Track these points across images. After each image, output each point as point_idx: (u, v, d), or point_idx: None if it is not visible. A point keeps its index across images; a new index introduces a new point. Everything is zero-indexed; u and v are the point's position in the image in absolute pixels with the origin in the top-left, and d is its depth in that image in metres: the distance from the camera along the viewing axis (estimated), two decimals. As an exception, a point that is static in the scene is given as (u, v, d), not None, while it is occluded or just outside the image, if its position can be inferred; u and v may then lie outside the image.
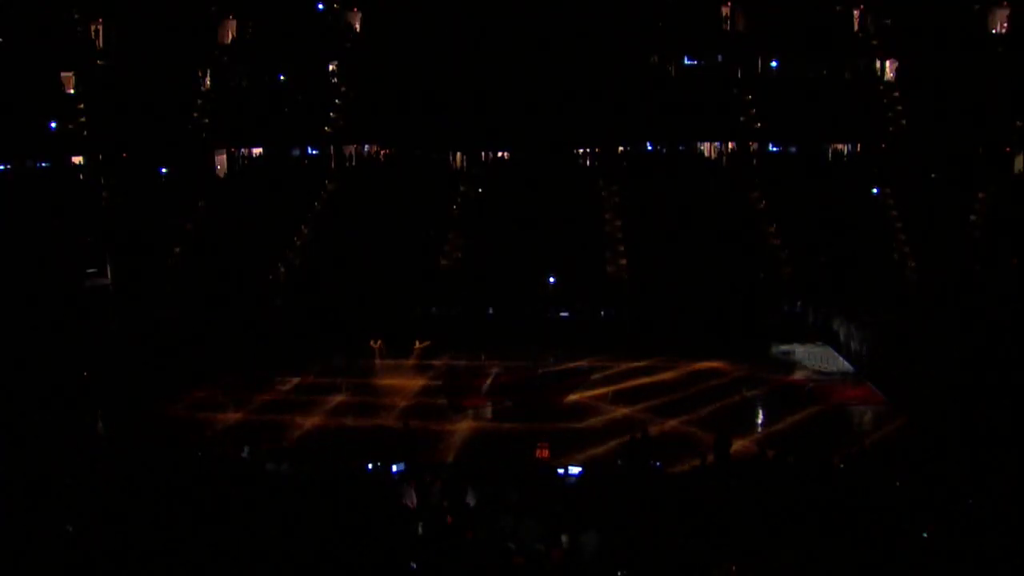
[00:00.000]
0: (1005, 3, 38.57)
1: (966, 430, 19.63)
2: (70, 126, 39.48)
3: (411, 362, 27.29)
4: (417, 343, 28.05)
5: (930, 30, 38.41)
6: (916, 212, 35.43)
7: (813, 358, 27.93)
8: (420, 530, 13.10)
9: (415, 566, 11.87)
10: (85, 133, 39.55)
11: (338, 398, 24.51)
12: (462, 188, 38.65)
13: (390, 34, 40.88)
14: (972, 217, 35.40)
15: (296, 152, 42.34)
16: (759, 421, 22.67)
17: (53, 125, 39.61)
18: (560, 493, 15.85)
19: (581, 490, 16.02)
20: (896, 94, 39.09)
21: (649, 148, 41.18)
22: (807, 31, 39.36)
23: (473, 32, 39.22)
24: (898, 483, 16.46)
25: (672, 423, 21.93)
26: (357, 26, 41.86)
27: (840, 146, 40.01)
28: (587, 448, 20.03)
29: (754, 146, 39.82)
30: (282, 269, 35.03)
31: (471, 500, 14.25)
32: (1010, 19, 38.41)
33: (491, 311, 31.46)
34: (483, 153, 40.76)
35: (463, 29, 39.35)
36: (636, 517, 13.73)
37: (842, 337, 28.63)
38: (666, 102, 39.05)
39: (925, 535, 13.15)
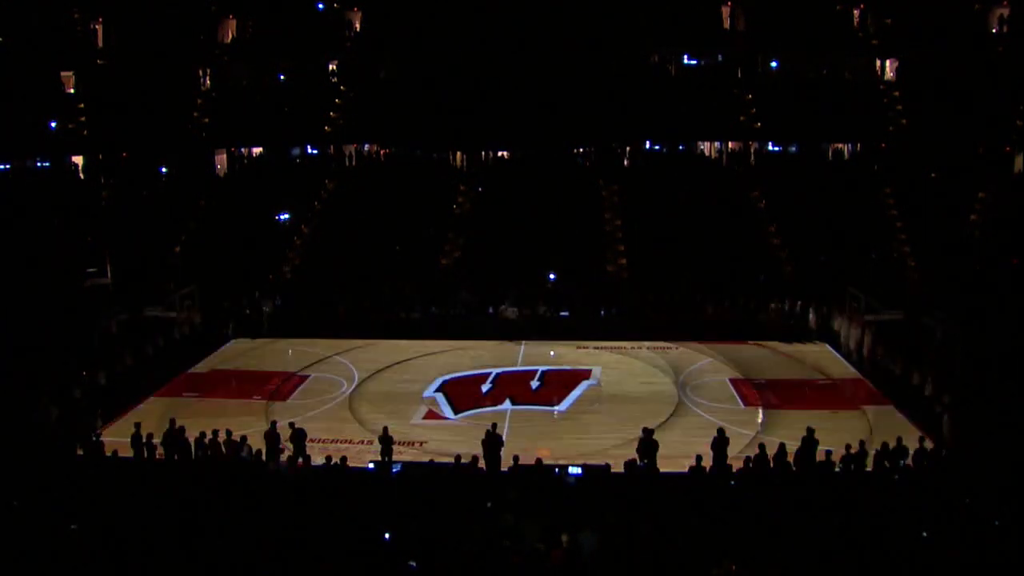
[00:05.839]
0: (1005, 3, 38.59)
1: (967, 430, 19.63)
2: (70, 126, 39.51)
3: None
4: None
5: (930, 30, 38.45)
6: (916, 212, 35.45)
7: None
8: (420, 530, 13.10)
9: (415, 566, 11.88)
10: (85, 133, 39.57)
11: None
12: (462, 188, 38.66)
13: (390, 34, 40.92)
14: (972, 217, 35.42)
15: (296, 152, 42.39)
16: (758, 420, 22.62)
17: (53, 125, 39.64)
18: (560, 493, 15.88)
19: (581, 490, 16.04)
20: (896, 94, 39.13)
21: (649, 148, 41.20)
22: (807, 31, 39.38)
23: (473, 32, 39.23)
24: (897, 483, 16.50)
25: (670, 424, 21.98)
26: (357, 26, 41.88)
27: (840, 146, 40.06)
28: (587, 448, 20.05)
29: (754, 146, 39.86)
30: (282, 268, 35.02)
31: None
32: (1010, 19, 38.43)
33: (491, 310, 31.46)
34: (483, 153, 40.78)
35: (463, 29, 39.37)
36: (636, 517, 13.74)
37: (842, 337, 28.62)
38: (666, 102, 39.08)
39: (925, 535, 13.17)
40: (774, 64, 40.71)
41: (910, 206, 35.91)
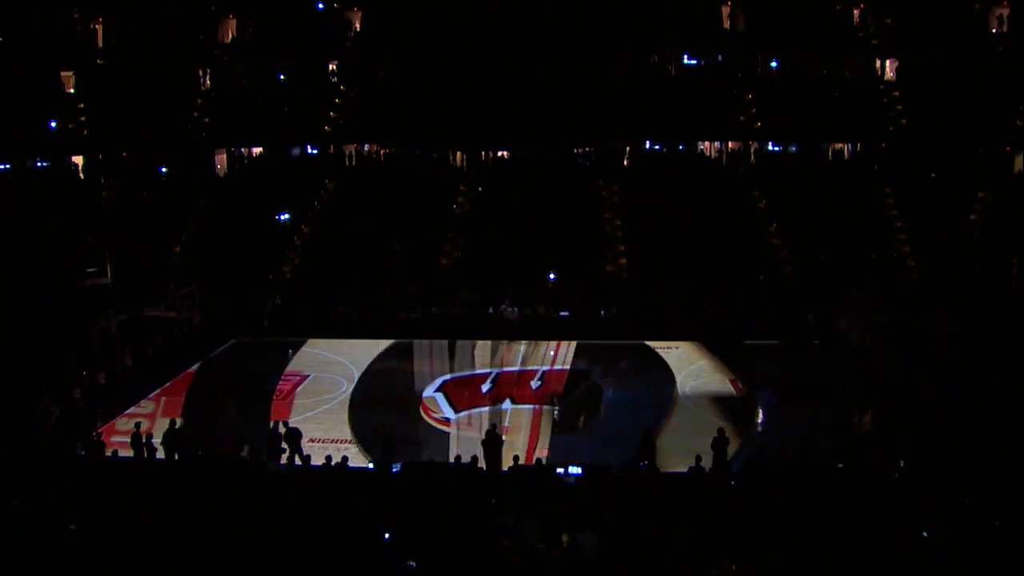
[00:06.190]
0: (1005, 3, 38.58)
1: (967, 429, 19.64)
2: (70, 126, 39.48)
3: None
4: None
5: (930, 30, 38.44)
6: (916, 212, 35.46)
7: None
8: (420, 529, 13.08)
9: (415, 566, 11.88)
10: (85, 133, 39.54)
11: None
12: (462, 188, 38.66)
13: (390, 34, 40.90)
14: (972, 217, 35.43)
15: (296, 152, 42.37)
16: (759, 420, 22.63)
17: (53, 125, 39.61)
18: (560, 493, 15.87)
19: (581, 490, 16.03)
20: (896, 94, 39.12)
21: (649, 148, 41.19)
22: (807, 31, 39.37)
23: (473, 31, 39.21)
24: (897, 482, 16.48)
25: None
26: (357, 26, 41.87)
27: (840, 146, 40.05)
28: (586, 448, 20.05)
29: (754, 146, 39.85)
30: (282, 268, 35.03)
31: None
32: (1010, 19, 38.43)
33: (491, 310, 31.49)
34: (483, 153, 40.77)
35: (463, 28, 39.35)
36: (636, 517, 13.73)
37: (842, 337, 28.64)
38: (666, 102, 39.06)
39: (925, 535, 13.17)
40: (774, 64, 40.69)
41: (910, 206, 35.92)
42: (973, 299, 28.53)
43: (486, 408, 23.32)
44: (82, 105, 39.76)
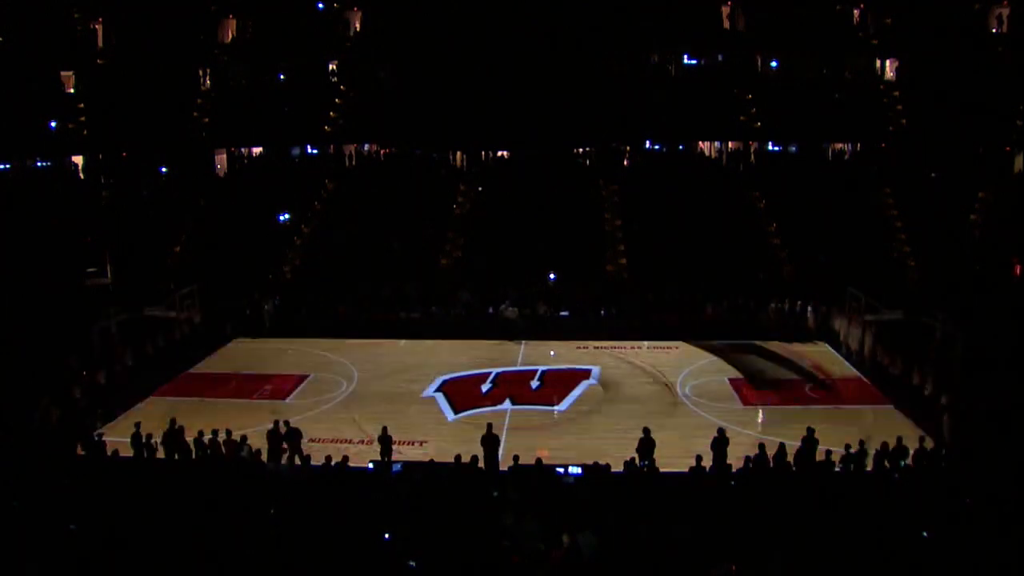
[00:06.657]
0: (1005, 3, 38.59)
1: (967, 430, 19.63)
2: (70, 126, 39.50)
3: None
4: None
5: (930, 30, 38.45)
6: (916, 212, 35.46)
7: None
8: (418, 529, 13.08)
9: (415, 566, 11.88)
10: (85, 133, 39.55)
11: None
12: (462, 188, 38.66)
13: (390, 34, 40.90)
14: (972, 217, 35.42)
15: (296, 152, 42.38)
16: (758, 420, 22.62)
17: (53, 125, 39.63)
18: (560, 493, 15.87)
19: (581, 490, 16.02)
20: (896, 94, 39.12)
21: (649, 148, 41.20)
22: (807, 31, 39.37)
23: (473, 31, 39.21)
24: (897, 483, 16.50)
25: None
26: (357, 26, 41.87)
27: (840, 146, 40.05)
28: (587, 448, 20.03)
29: (754, 146, 39.85)
30: (282, 268, 35.02)
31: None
32: (1010, 19, 38.44)
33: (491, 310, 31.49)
34: (483, 153, 40.77)
35: (463, 28, 39.35)
36: (636, 517, 13.73)
37: (842, 337, 28.64)
38: (666, 102, 39.06)
39: (925, 535, 13.17)
40: (774, 64, 40.69)
41: (910, 206, 35.91)
42: (973, 299, 28.52)
43: (487, 408, 23.33)
44: (82, 105, 39.77)
